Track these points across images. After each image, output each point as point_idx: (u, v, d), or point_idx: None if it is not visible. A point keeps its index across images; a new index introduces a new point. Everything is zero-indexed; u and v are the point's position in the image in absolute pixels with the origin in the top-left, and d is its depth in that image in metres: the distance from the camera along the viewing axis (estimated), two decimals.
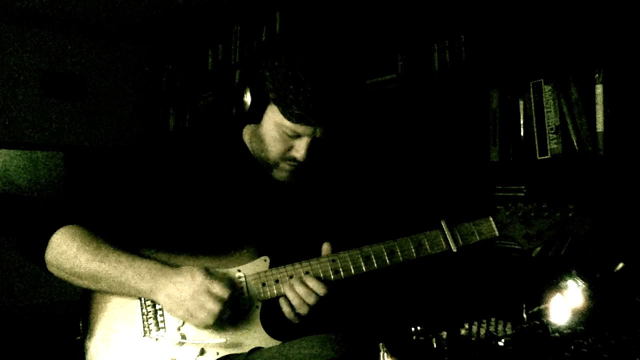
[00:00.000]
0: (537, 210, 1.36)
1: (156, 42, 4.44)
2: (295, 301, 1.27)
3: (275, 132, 1.30)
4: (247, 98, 1.31)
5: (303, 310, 1.27)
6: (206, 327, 1.24)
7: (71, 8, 3.76)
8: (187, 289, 1.21)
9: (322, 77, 1.24)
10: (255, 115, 1.32)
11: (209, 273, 1.24)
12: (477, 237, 1.35)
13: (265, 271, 1.31)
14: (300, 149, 1.30)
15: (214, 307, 1.20)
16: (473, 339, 1.26)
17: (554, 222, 1.35)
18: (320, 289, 1.27)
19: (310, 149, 1.30)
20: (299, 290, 1.27)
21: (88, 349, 1.26)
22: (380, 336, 1.23)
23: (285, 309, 1.28)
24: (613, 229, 1.76)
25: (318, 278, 1.29)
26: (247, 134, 1.43)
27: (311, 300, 1.26)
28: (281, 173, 1.37)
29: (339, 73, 1.27)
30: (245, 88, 1.32)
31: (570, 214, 1.35)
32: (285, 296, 1.29)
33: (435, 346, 1.23)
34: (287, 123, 1.26)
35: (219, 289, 1.22)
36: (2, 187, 4.08)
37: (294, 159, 1.32)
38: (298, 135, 1.29)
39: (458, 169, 2.37)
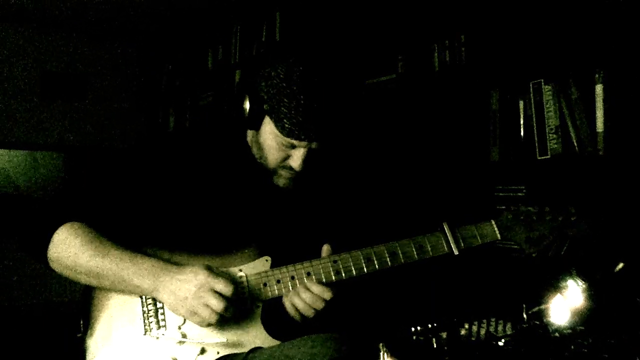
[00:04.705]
0: (540, 213, 1.35)
1: (156, 42, 4.44)
2: (300, 306, 1.27)
3: (272, 142, 1.30)
4: (246, 105, 1.31)
5: (310, 314, 1.28)
6: (208, 325, 1.23)
7: (72, 8, 3.76)
8: (190, 287, 1.21)
9: (316, 93, 1.23)
10: (254, 122, 1.32)
11: (212, 271, 1.24)
12: (479, 240, 1.35)
13: (267, 271, 1.31)
14: (296, 158, 1.30)
15: (217, 304, 1.20)
16: (473, 339, 1.26)
17: (555, 225, 1.34)
18: (326, 294, 1.27)
19: (306, 159, 1.30)
20: (305, 297, 1.27)
21: (88, 347, 1.26)
22: (380, 336, 1.23)
23: (292, 312, 1.29)
24: (613, 229, 1.76)
25: (320, 282, 1.29)
26: (249, 137, 1.43)
27: (319, 305, 1.27)
28: (280, 180, 1.37)
29: (334, 89, 1.26)
30: (244, 95, 1.32)
31: (572, 218, 1.34)
32: (290, 301, 1.29)
33: (435, 346, 1.23)
34: (281, 135, 1.27)
35: (223, 287, 1.21)
36: (2, 187, 4.08)
37: (292, 168, 1.32)
38: (294, 146, 1.29)
39: (458, 169, 2.37)
